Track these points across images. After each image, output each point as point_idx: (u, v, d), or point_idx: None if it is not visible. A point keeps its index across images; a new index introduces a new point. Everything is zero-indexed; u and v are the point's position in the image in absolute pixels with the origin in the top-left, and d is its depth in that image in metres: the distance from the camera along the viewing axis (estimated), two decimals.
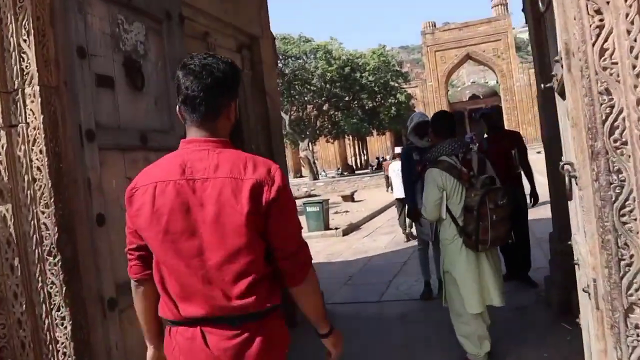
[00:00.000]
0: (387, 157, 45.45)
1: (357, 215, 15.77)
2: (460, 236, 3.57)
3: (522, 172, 5.89)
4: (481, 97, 61.23)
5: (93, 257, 2.43)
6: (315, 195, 28.88)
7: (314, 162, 34.16)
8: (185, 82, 1.62)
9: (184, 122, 1.69)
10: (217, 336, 1.57)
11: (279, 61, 31.70)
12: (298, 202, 5.12)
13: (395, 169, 9.89)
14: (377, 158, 47.42)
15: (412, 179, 6.02)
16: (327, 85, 32.83)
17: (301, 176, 47.74)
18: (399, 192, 9.03)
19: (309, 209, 12.32)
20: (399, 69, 34.72)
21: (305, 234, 7.97)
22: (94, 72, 2.57)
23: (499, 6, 50.15)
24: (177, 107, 1.69)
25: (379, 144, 53.38)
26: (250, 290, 1.55)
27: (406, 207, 9.99)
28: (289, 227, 1.64)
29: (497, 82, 52.71)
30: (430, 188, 3.62)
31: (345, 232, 12.30)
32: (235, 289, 1.54)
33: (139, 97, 2.89)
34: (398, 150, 10.90)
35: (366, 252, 9.57)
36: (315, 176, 32.45)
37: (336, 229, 12.39)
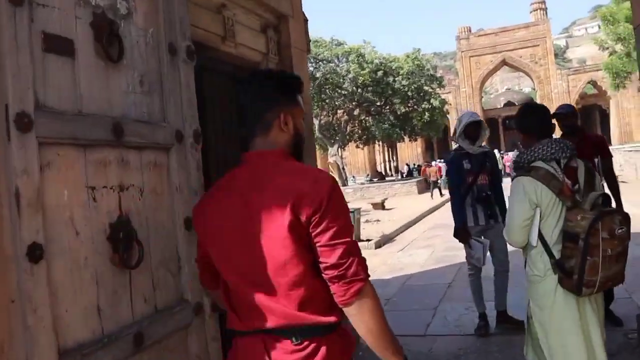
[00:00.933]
0: (416, 164, 44.24)
1: (389, 226, 14.78)
2: (555, 272, 2.62)
3: (606, 185, 4.84)
4: (516, 104, 59.53)
5: (21, 313, 1.55)
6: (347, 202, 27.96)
7: (343, 168, 33.21)
8: (238, 97, 1.69)
9: (243, 134, 1.71)
10: (278, 350, 1.55)
11: (310, 65, 30.99)
12: None
13: None
14: (407, 164, 46.23)
15: (461, 193, 5.09)
16: (359, 90, 31.90)
17: None
18: None
19: None
20: (433, 73, 33.49)
21: None
22: (40, 29, 1.72)
23: (538, 11, 48.70)
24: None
25: (409, 150, 52.23)
26: (305, 304, 1.53)
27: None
28: (334, 238, 1.49)
29: (534, 89, 51.02)
30: (518, 202, 2.69)
31: (378, 245, 11.34)
32: (289, 302, 1.53)
33: (115, 72, 2.03)
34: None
35: (402, 269, 8.60)
36: (344, 182, 31.49)
37: (368, 240, 11.43)
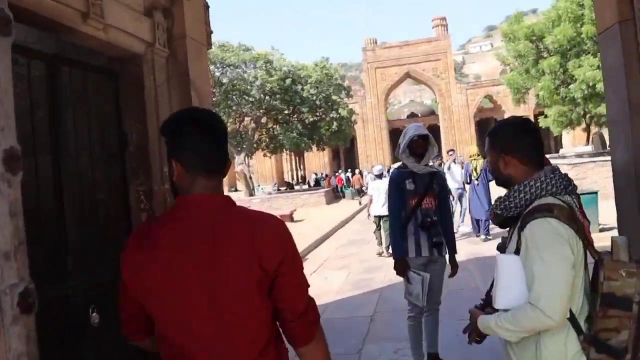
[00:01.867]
0: (324, 174, 43.97)
1: (300, 241, 13.89)
2: (588, 354, 1.79)
3: None
4: (419, 116, 61.25)
5: None
6: None
7: (251, 177, 32.06)
8: (193, 136, 1.57)
9: (184, 174, 1.57)
10: None
11: (216, 69, 29.65)
12: None
13: (375, 187, 10.62)
14: (315, 174, 45.84)
15: (403, 218, 4.31)
16: (267, 97, 30.93)
17: (236, 190, 45.50)
18: (377, 210, 10.38)
19: None
20: (341, 82, 33.23)
21: None
22: None
23: (440, 27, 50.16)
24: (172, 156, 1.59)
25: (317, 159, 51.93)
26: (263, 354, 1.51)
27: (382, 224, 10.32)
28: (298, 285, 1.57)
29: (436, 101, 52.58)
30: (560, 260, 1.77)
31: None
32: (247, 353, 1.50)
33: None
34: (377, 169, 11.35)
35: (318, 296, 7.67)
36: (251, 192, 30.35)
37: None
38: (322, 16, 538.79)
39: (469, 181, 11.24)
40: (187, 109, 1.81)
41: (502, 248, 4.30)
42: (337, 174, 40.22)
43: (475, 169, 11.03)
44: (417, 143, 4.23)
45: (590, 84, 16.54)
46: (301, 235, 15.23)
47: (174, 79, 3.31)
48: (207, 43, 3.68)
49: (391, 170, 4.79)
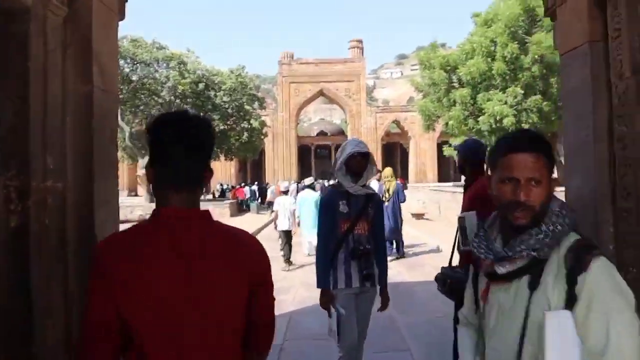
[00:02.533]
0: (230, 185, 42.87)
1: None
2: None
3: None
4: (328, 134, 61.87)
5: None
6: None
7: None
8: (166, 146, 1.48)
9: (157, 186, 1.53)
10: None
11: (125, 65, 27.97)
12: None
13: (281, 202, 11.36)
14: (221, 184, 44.57)
15: (332, 243, 3.82)
16: (177, 100, 29.60)
17: (136, 195, 43.21)
18: (284, 225, 11.16)
19: None
20: (255, 93, 32.57)
21: None
22: None
23: (355, 49, 51.02)
24: (148, 167, 1.54)
25: (224, 169, 50.63)
26: None
27: (289, 237, 10.92)
28: (271, 297, 1.68)
29: (346, 122, 53.28)
30: (628, 319, 1.34)
31: None
32: None
33: None
34: (283, 185, 12.26)
35: None
36: (152, 198, 28.73)
37: None
38: (239, 25, 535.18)
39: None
40: (171, 112, 1.59)
41: (443, 280, 3.91)
42: (240, 185, 39.26)
43: (388, 191, 11.15)
44: (356, 160, 3.76)
45: (498, 117, 17.16)
46: None
47: (73, 48, 2.60)
48: (119, 12, 2.99)
49: (323, 187, 4.25)
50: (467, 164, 4.10)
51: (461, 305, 2.30)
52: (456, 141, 30.93)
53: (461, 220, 3.81)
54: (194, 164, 1.51)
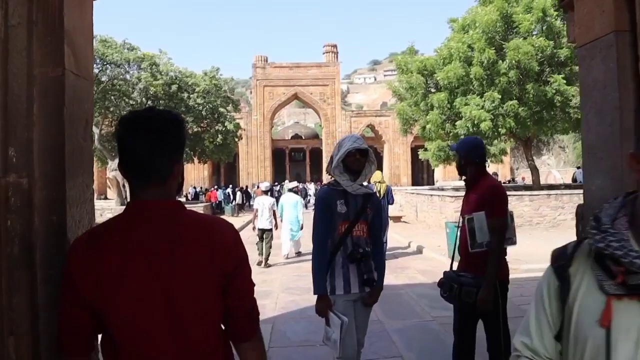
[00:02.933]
0: (203, 188, 42.19)
1: None
2: None
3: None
4: (303, 138, 61.60)
5: None
6: None
7: (124, 185, 29.59)
8: (129, 141, 1.52)
9: (128, 180, 1.59)
10: None
11: (95, 66, 27.20)
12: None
13: (261, 202, 11.83)
14: (194, 187, 43.85)
15: (329, 245, 3.53)
16: (149, 102, 28.93)
17: (106, 198, 42.19)
18: (263, 224, 11.61)
19: None
20: (230, 95, 32.06)
21: None
22: None
23: (330, 53, 50.90)
24: (118, 164, 1.59)
25: (197, 172, 49.87)
26: (216, 354, 1.59)
27: (267, 236, 11.28)
28: (248, 284, 1.65)
29: (320, 125, 53.10)
30: None
31: None
32: (203, 355, 1.55)
33: None
34: (265, 185, 12.70)
35: None
36: (123, 201, 27.96)
37: None
38: (212, 27, 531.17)
39: None
40: (137, 110, 1.67)
41: (449, 285, 3.64)
42: (213, 189, 38.63)
43: (379, 192, 11.31)
44: (355, 158, 3.47)
45: (475, 122, 17.12)
46: None
47: (41, 26, 2.24)
48: None
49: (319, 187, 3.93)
50: (468, 163, 3.85)
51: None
52: (431, 145, 31.01)
53: (470, 220, 3.57)
54: (159, 157, 1.52)
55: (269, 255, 11.57)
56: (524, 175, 42.02)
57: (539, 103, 17.14)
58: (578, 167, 26.50)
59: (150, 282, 1.44)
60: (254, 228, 11.95)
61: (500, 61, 17.10)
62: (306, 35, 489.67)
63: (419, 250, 12.78)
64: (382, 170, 51.21)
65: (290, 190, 13.08)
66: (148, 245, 1.46)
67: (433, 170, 53.92)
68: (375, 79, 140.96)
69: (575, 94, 16.61)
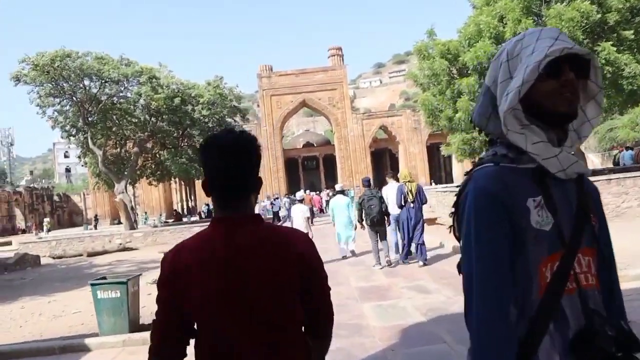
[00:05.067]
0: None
1: None
2: None
3: None
4: (315, 145, 59.44)
5: None
6: (131, 249, 22.55)
7: (132, 208, 27.58)
8: (219, 163, 1.63)
9: (216, 199, 1.70)
10: None
11: (91, 82, 25.28)
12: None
13: (297, 209, 12.57)
14: (207, 205, 41.75)
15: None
16: (152, 119, 26.94)
17: (119, 223, 40.23)
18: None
19: (101, 294, 6.68)
20: (237, 104, 30.00)
21: (95, 340, 6.65)
22: None
23: (335, 57, 48.78)
24: (203, 184, 1.75)
25: None
26: (296, 349, 1.69)
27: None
28: (325, 288, 1.77)
29: (331, 131, 50.92)
30: None
31: None
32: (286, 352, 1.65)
33: None
34: (299, 195, 13.95)
35: None
36: (132, 225, 25.90)
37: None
38: (216, 43, 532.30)
39: (403, 204, 10.58)
40: (222, 132, 1.75)
41: None
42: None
43: (411, 191, 10.59)
44: (564, 80, 1.27)
45: None
46: None
47: None
48: None
49: (474, 174, 1.43)
50: None
51: None
52: (454, 138, 28.59)
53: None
54: (250, 176, 1.66)
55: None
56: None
57: None
58: (628, 148, 23.93)
59: (233, 292, 1.56)
60: None
61: None
62: (309, 42, 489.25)
63: None
64: (398, 172, 48.82)
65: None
66: (226, 258, 1.58)
67: (451, 168, 51.48)
68: (380, 82, 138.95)
69: (628, 62, 14.23)
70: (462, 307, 1.25)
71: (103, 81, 25.13)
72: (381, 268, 10.55)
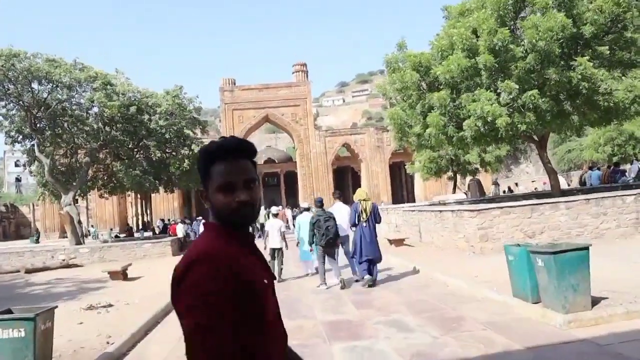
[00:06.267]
0: (172, 220, 38.01)
1: (126, 314, 8.82)
2: None
3: None
4: (277, 162, 57.92)
5: None
6: (76, 266, 20.50)
7: (80, 222, 25.37)
8: (224, 166, 1.58)
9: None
10: None
11: (40, 86, 23.24)
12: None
13: (272, 224, 12.47)
14: (162, 220, 39.62)
15: None
16: (106, 127, 25.01)
17: (65, 237, 37.58)
18: (275, 244, 12.19)
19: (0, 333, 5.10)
20: (196, 116, 28.29)
21: None
22: None
23: (300, 72, 47.69)
24: (203, 190, 1.66)
25: (165, 203, 45.60)
26: None
27: (279, 254, 12.18)
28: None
29: (294, 147, 49.56)
30: None
31: None
32: None
33: None
34: (275, 209, 13.74)
35: None
36: (78, 239, 23.76)
37: None
38: (176, 56, 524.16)
39: (357, 222, 10.42)
40: (221, 139, 1.70)
41: None
42: (172, 222, 34.38)
43: (365, 210, 10.39)
44: None
45: (489, 119, 13.84)
46: (131, 305, 10.09)
47: None
48: None
49: None
50: None
51: None
52: (420, 157, 27.73)
53: None
54: (254, 178, 1.63)
55: (281, 270, 12.26)
56: (545, 181, 38.49)
57: (562, 92, 14.00)
58: (591, 168, 23.45)
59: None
60: (265, 247, 11.95)
61: (514, 45, 13.93)
62: (273, 58, 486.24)
63: (459, 288, 9.20)
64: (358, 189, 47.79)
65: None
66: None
67: (413, 187, 50.86)
68: (343, 101, 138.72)
69: (603, 79, 13.51)
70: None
71: (53, 85, 23.11)
72: (327, 288, 10.41)
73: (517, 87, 13.61)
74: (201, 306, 1.29)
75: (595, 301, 6.24)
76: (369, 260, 10.21)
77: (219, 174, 1.56)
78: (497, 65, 14.10)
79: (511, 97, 13.71)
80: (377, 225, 10.58)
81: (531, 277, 6.69)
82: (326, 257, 10.56)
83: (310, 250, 11.46)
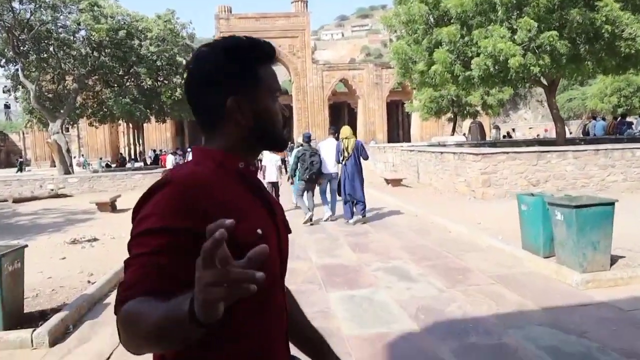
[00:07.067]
0: (164, 151, 37.32)
1: (110, 252, 8.37)
2: None
3: None
4: None
5: None
6: (65, 196, 19.98)
7: (68, 150, 24.63)
8: (266, 68, 1.24)
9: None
10: None
11: (21, 5, 21.86)
12: None
13: (269, 158, 12.06)
14: (154, 150, 38.95)
15: None
16: (94, 52, 23.80)
17: (55, 166, 36.95)
18: (272, 177, 11.99)
19: None
20: (190, 43, 26.98)
21: None
22: None
23: (299, 2, 45.65)
24: (242, 98, 1.21)
25: (158, 133, 44.78)
26: None
27: (276, 187, 12.02)
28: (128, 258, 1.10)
29: (290, 80, 48.24)
30: None
31: (57, 337, 4.86)
32: None
33: None
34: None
35: None
36: (67, 169, 23.15)
37: (35, 326, 4.83)
38: None
39: (339, 161, 10.52)
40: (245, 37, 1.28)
41: None
42: (163, 152, 33.74)
43: (347, 149, 10.29)
44: None
45: (501, 58, 13.00)
46: (117, 239, 9.66)
47: None
48: None
49: None
50: None
51: None
52: (421, 96, 26.82)
53: None
54: (195, 100, 1.25)
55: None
56: (547, 128, 37.55)
57: (581, 35, 13.09)
58: (594, 118, 22.73)
59: None
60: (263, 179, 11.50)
61: None
62: None
63: (462, 234, 8.73)
64: (356, 127, 47.00)
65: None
66: None
67: (409, 127, 50.12)
68: (343, 35, 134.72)
69: (629, 22, 12.59)
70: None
71: (36, 4, 21.74)
72: (309, 223, 10.42)
73: (536, 24, 12.67)
74: (152, 217, 1.04)
75: (613, 260, 5.79)
76: (351, 200, 10.32)
77: (273, 77, 1.23)
78: (514, 2, 13.10)
79: (530, 36, 12.80)
80: (365, 161, 10.62)
81: (545, 230, 6.20)
82: (305, 192, 10.77)
83: (291, 183, 11.44)
